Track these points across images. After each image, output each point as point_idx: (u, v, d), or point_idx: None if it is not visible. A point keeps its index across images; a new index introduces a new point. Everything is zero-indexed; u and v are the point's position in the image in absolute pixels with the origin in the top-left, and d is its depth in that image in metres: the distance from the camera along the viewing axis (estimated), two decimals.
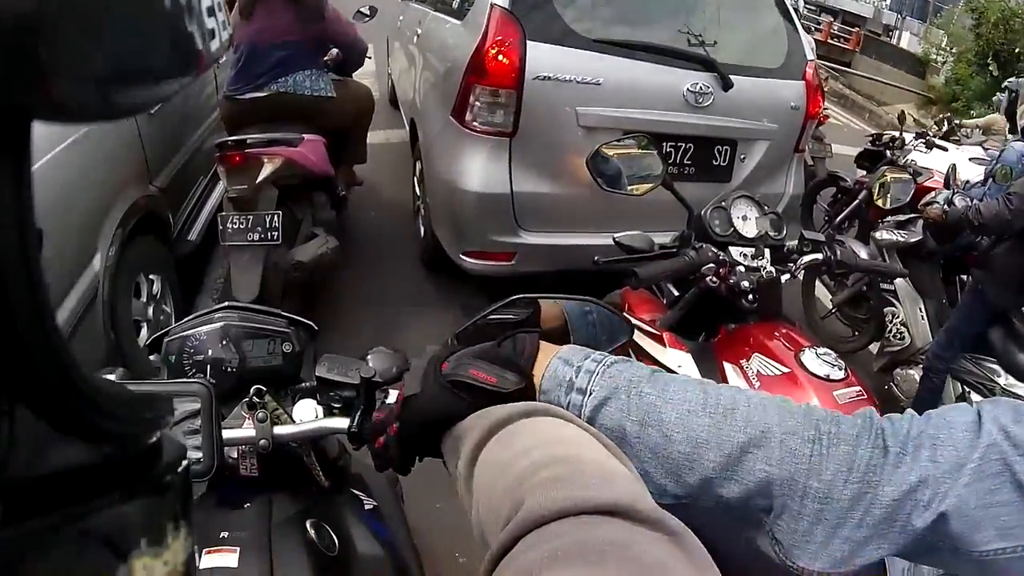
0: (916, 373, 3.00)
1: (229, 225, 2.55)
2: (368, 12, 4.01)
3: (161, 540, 0.27)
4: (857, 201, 3.90)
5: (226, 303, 1.05)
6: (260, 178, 2.61)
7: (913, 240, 3.09)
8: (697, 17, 3.00)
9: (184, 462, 0.30)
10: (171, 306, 2.69)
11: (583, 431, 0.54)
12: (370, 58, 3.94)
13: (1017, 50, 10.44)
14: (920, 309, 3.03)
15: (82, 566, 0.24)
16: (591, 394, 0.60)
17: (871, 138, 4.48)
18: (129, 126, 2.48)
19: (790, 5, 3.43)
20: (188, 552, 0.29)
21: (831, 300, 3.69)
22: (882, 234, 3.16)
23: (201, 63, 0.23)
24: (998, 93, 4.68)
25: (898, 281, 3.10)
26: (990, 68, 10.70)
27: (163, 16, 0.21)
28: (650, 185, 1.74)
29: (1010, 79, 4.28)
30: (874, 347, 3.32)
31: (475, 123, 2.66)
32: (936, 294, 3.10)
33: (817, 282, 3.78)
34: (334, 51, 3.32)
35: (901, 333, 3.08)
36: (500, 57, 2.59)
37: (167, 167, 2.86)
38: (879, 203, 3.19)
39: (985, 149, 5.07)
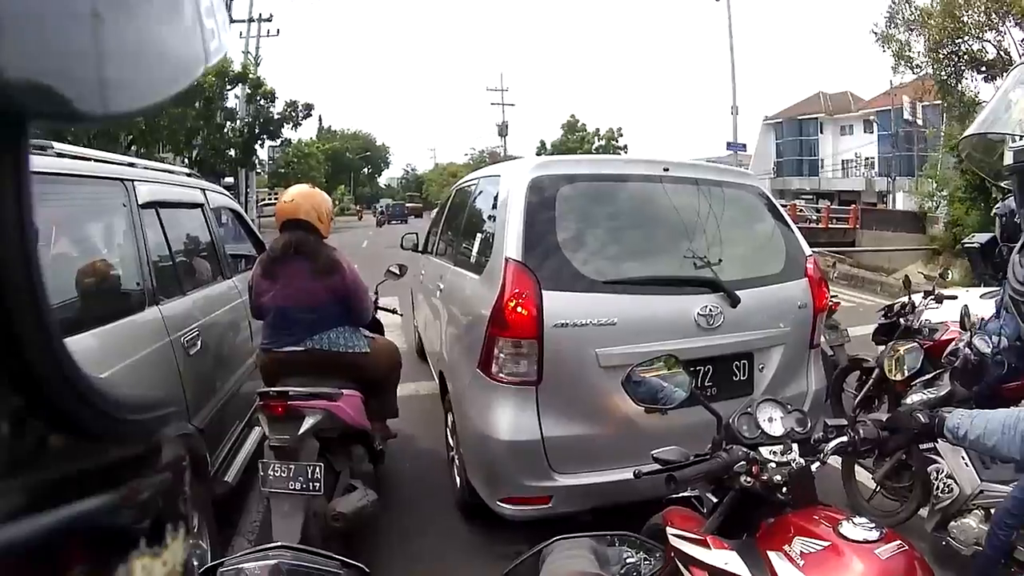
0: (972, 520, 2.87)
1: (271, 473, 2.66)
2: (398, 271, 4.34)
3: (160, 540, 0.28)
4: (872, 380, 3.89)
5: (279, 543, 1.11)
6: (302, 429, 2.73)
7: (942, 394, 3.06)
8: (699, 240, 3.13)
9: (184, 463, 0.30)
10: (207, 543, 2.70)
11: None
12: (401, 314, 4.17)
13: None
14: (963, 456, 2.92)
15: (82, 565, 0.23)
16: None
17: (883, 311, 4.53)
18: (169, 364, 2.65)
19: (779, 206, 3.66)
20: (187, 552, 0.30)
21: (873, 479, 3.59)
22: (911, 398, 3.16)
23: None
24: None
25: None
26: (980, 199, 10.88)
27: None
28: (681, 399, 1.88)
29: (997, 205, 4.29)
30: (925, 512, 3.18)
31: (501, 374, 2.77)
32: None
33: (857, 467, 3.69)
34: None
35: (948, 486, 2.98)
36: (519, 309, 2.73)
37: (205, 407, 3.00)
38: (896, 377, 3.19)
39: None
